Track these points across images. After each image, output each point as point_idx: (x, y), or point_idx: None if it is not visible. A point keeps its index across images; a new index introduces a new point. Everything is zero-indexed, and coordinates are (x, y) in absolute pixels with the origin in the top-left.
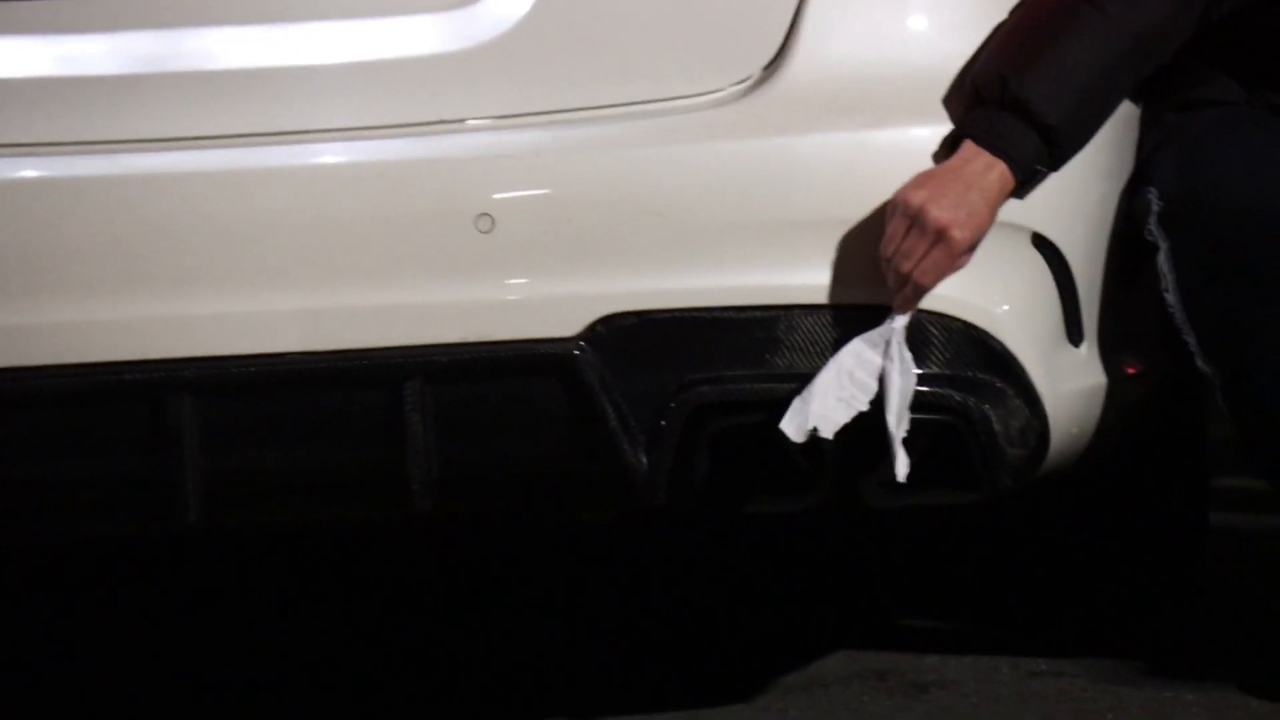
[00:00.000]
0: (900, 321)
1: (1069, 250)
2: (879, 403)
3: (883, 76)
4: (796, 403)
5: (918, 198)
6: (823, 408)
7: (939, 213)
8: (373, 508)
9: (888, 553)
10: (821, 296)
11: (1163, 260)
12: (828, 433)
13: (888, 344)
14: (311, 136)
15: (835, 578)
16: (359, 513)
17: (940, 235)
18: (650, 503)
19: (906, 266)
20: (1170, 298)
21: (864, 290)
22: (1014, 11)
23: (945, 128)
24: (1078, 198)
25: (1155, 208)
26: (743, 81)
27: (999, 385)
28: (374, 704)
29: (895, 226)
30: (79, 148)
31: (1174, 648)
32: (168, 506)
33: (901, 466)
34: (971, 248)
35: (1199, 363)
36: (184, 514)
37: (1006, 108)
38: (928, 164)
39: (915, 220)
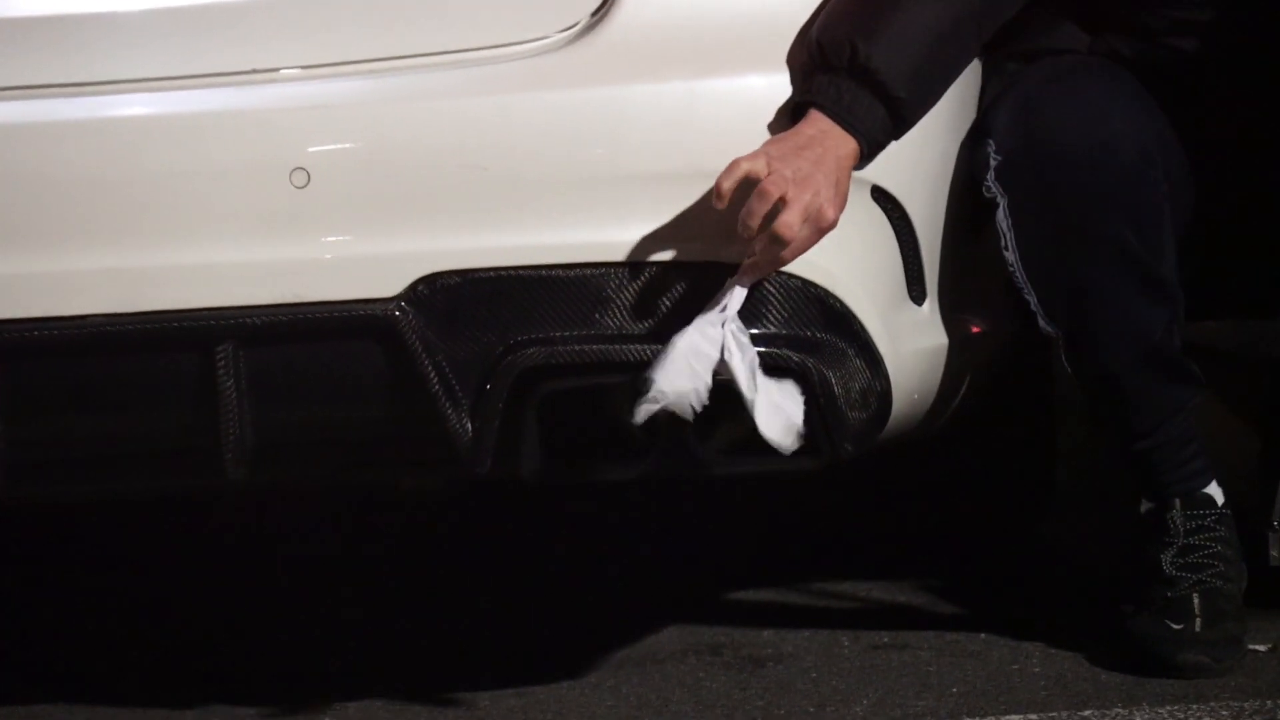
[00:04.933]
0: (734, 306)
1: (910, 204)
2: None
3: (715, 23)
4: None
5: (780, 179)
6: (671, 385)
7: (819, 200)
8: (184, 478)
9: (720, 523)
10: (653, 253)
11: (1001, 217)
12: (685, 410)
13: (723, 326)
14: (116, 87)
15: (666, 549)
16: (170, 483)
17: (818, 220)
18: (475, 470)
19: (782, 246)
20: (1010, 256)
21: (697, 247)
22: None
23: (780, 77)
24: (919, 150)
25: (993, 162)
26: (569, 28)
27: (839, 345)
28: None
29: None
30: None
31: (1020, 618)
32: None
33: (768, 429)
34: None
35: (1041, 323)
36: None
37: (855, 77)
38: (761, 114)
39: (795, 200)
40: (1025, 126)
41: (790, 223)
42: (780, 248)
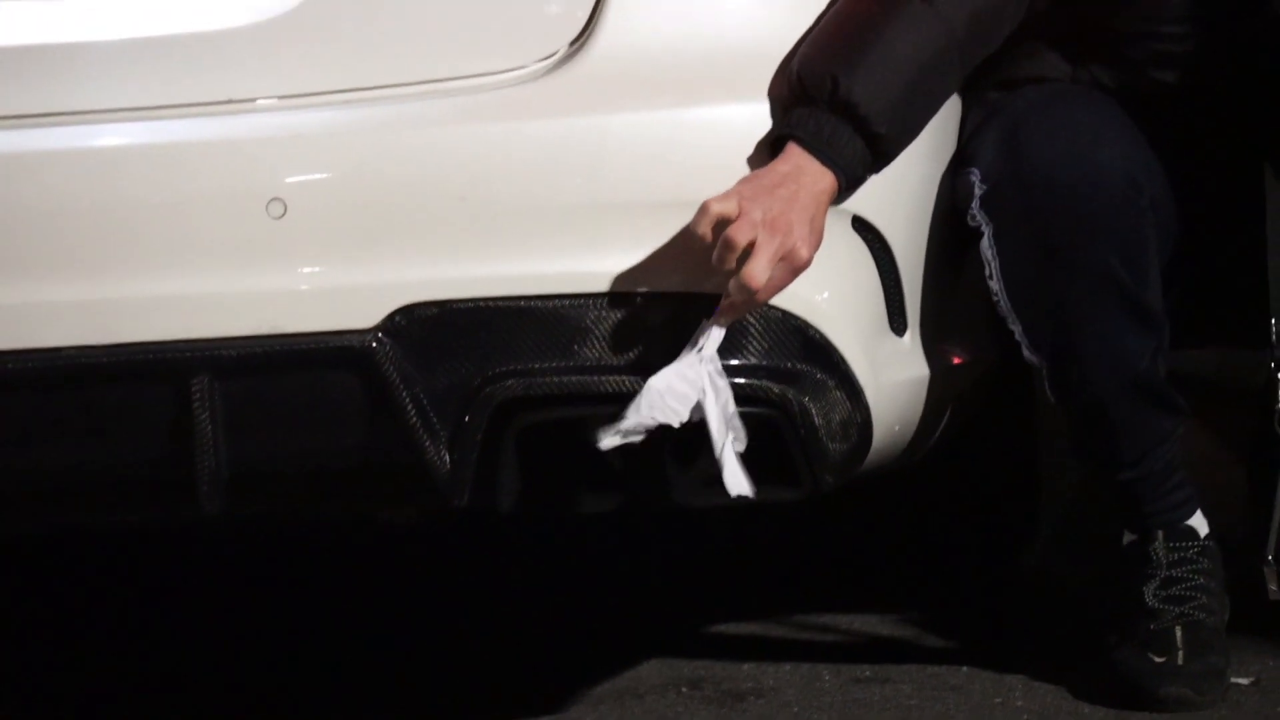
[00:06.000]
0: (711, 346)
1: (891, 234)
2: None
3: (694, 52)
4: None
5: (749, 224)
6: (641, 419)
7: (791, 241)
8: (158, 510)
9: (700, 555)
10: (632, 284)
11: (986, 246)
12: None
13: (700, 366)
14: (92, 117)
15: (646, 582)
16: (144, 515)
17: (791, 260)
18: (453, 502)
19: (752, 293)
20: (994, 285)
21: (676, 277)
22: None
23: (760, 107)
24: (900, 179)
25: (978, 191)
26: (548, 58)
27: (819, 376)
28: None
29: (728, 249)
30: None
31: (1003, 651)
32: None
33: (732, 481)
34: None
35: (1025, 352)
36: None
37: (835, 111)
38: (740, 145)
39: (764, 245)
40: (1011, 154)
41: (757, 272)
42: (752, 291)
